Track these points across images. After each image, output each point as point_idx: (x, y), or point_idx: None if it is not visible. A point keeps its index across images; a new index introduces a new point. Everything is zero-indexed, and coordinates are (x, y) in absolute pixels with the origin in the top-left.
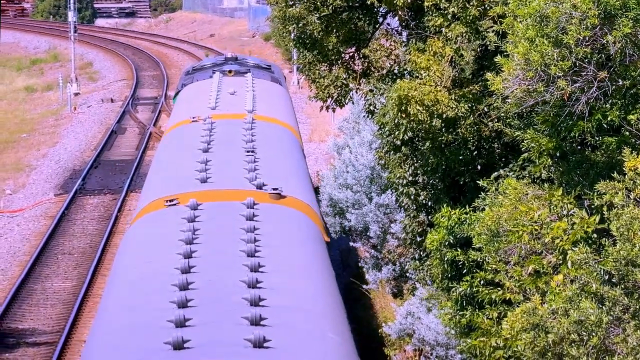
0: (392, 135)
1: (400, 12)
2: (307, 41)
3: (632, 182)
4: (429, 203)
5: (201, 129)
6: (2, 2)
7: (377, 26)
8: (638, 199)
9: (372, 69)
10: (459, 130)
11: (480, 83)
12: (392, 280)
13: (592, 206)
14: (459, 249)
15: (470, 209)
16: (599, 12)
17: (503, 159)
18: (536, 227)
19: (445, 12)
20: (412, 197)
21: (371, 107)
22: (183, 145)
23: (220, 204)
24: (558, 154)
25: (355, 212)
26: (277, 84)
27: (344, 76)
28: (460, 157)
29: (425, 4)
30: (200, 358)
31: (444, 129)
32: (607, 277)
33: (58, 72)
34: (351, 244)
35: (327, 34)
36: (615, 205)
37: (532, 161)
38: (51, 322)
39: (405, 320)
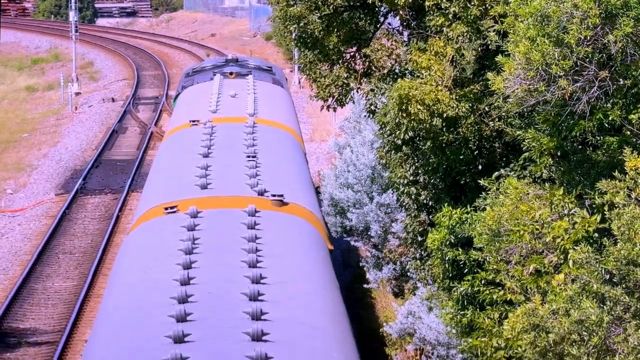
0: (393, 135)
1: (401, 12)
2: (308, 41)
3: (633, 181)
4: (430, 202)
5: (201, 133)
6: (3, 1)
7: (378, 26)
8: (639, 199)
9: (373, 68)
10: (460, 129)
11: (481, 82)
12: (393, 280)
13: (593, 206)
14: (460, 249)
15: (471, 208)
16: (600, 11)
17: (504, 159)
18: (537, 227)
19: (447, 11)
20: (413, 196)
21: (372, 107)
22: (183, 149)
23: (221, 211)
24: (559, 154)
25: (356, 212)
26: (279, 86)
27: (345, 76)
28: (461, 157)
29: (427, 3)
30: None
31: (444, 129)
32: (608, 277)
33: (59, 71)
34: (352, 243)
35: (328, 34)
36: (616, 205)
37: (533, 161)
38: (52, 321)
39: (406, 319)
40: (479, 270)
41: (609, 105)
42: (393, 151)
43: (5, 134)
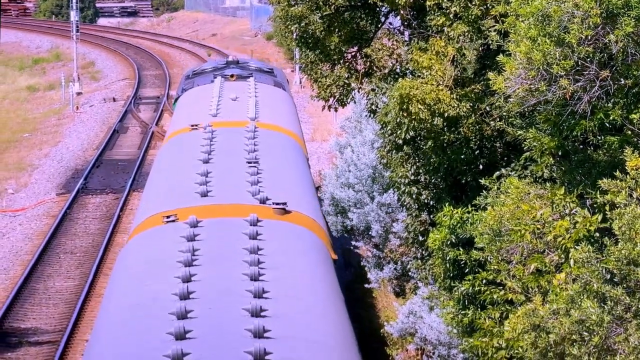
0: (394, 135)
1: (402, 12)
2: (309, 41)
3: (634, 181)
4: (431, 202)
5: (201, 137)
6: (4, 1)
7: (379, 25)
8: None
9: (374, 68)
10: (461, 129)
11: (482, 82)
12: (394, 280)
13: (595, 205)
14: (461, 248)
15: (472, 208)
16: (601, 11)
17: (505, 158)
18: (538, 226)
19: (448, 11)
20: (414, 196)
21: (373, 107)
22: (182, 155)
23: (222, 220)
24: (560, 153)
25: (357, 212)
26: (280, 88)
27: (346, 75)
28: (462, 157)
29: (427, 3)
30: None
31: (445, 128)
32: (609, 277)
33: (60, 71)
34: (353, 243)
35: (329, 34)
36: (617, 205)
37: (534, 160)
38: (53, 321)
39: (407, 319)
40: (480, 270)
41: (610, 105)
42: (394, 151)
43: (6, 134)
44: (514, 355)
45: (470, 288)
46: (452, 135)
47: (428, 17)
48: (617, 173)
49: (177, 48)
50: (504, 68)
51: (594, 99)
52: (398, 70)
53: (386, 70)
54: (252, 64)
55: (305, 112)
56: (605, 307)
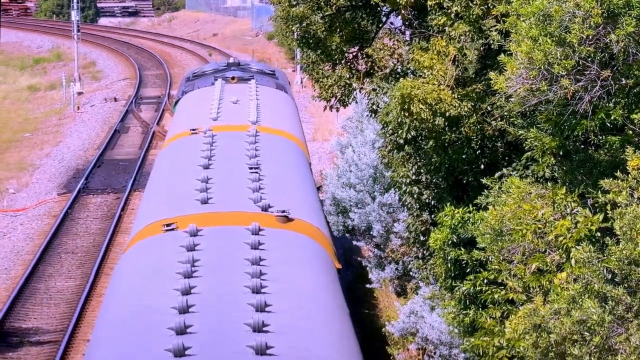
0: (395, 134)
1: (403, 11)
2: (311, 41)
3: (635, 181)
4: (432, 202)
5: (201, 142)
6: (5, 1)
7: (380, 25)
8: None
9: (376, 68)
10: (462, 129)
11: (484, 82)
12: (396, 279)
13: (596, 205)
14: (462, 248)
15: (474, 207)
16: (602, 11)
17: (506, 158)
18: (540, 226)
19: (449, 11)
20: (415, 196)
21: (374, 106)
22: (182, 160)
23: (223, 229)
24: (561, 153)
25: (359, 211)
26: (282, 91)
27: (348, 76)
28: (464, 156)
29: (429, 3)
30: None
31: (447, 128)
32: (610, 276)
33: (61, 71)
34: (354, 243)
35: (330, 34)
36: (619, 205)
37: (535, 160)
38: (54, 321)
39: (409, 319)
40: (481, 269)
41: (611, 104)
42: (395, 150)
43: (7, 134)
44: (514, 354)
45: (472, 288)
46: (453, 135)
47: (429, 17)
48: (618, 173)
49: (178, 48)
50: (505, 68)
51: (595, 99)
52: (399, 70)
53: (387, 70)
54: (253, 66)
55: (307, 111)
56: (607, 307)
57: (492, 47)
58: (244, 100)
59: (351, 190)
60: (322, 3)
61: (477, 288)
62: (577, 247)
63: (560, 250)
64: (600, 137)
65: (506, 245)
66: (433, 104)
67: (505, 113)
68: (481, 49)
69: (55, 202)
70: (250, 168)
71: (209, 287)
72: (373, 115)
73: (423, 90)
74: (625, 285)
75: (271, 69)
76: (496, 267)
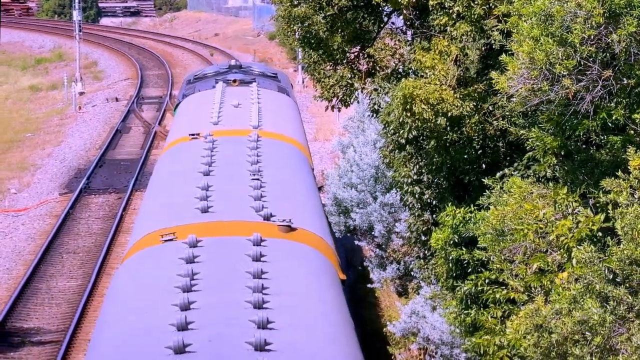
0: (397, 134)
1: (405, 11)
2: (312, 41)
3: (636, 180)
4: (434, 202)
5: (202, 147)
6: (7, 1)
7: (382, 25)
8: None
9: (377, 68)
10: (463, 129)
11: (485, 82)
12: (397, 279)
13: (597, 205)
14: (463, 248)
15: (475, 207)
16: (604, 10)
17: (508, 158)
18: (541, 226)
19: (450, 11)
20: (416, 196)
21: (376, 106)
22: (182, 167)
23: (223, 239)
24: (563, 153)
25: (360, 211)
26: (284, 94)
27: (349, 76)
28: (465, 156)
29: (430, 3)
30: None
31: (448, 128)
32: (611, 276)
33: (63, 71)
34: (356, 242)
35: (332, 34)
36: (620, 204)
37: (537, 160)
38: (56, 321)
39: (410, 319)
40: (483, 269)
41: (612, 104)
42: (397, 150)
43: (9, 134)
44: (515, 354)
45: (473, 288)
46: (455, 135)
47: (431, 17)
48: (620, 173)
49: (180, 48)
50: (506, 68)
51: (596, 99)
52: (401, 70)
53: (389, 70)
54: (255, 68)
55: (308, 111)
56: (608, 307)
57: (493, 47)
58: (246, 104)
59: (353, 190)
60: (323, 3)
61: (479, 288)
62: (578, 247)
63: (561, 250)
64: (602, 137)
65: (507, 245)
66: (435, 104)
67: (507, 113)
68: (483, 48)
69: (56, 202)
70: (252, 174)
71: (208, 303)
72: (374, 115)
73: (425, 91)
74: (627, 285)
75: (273, 71)
76: (498, 266)
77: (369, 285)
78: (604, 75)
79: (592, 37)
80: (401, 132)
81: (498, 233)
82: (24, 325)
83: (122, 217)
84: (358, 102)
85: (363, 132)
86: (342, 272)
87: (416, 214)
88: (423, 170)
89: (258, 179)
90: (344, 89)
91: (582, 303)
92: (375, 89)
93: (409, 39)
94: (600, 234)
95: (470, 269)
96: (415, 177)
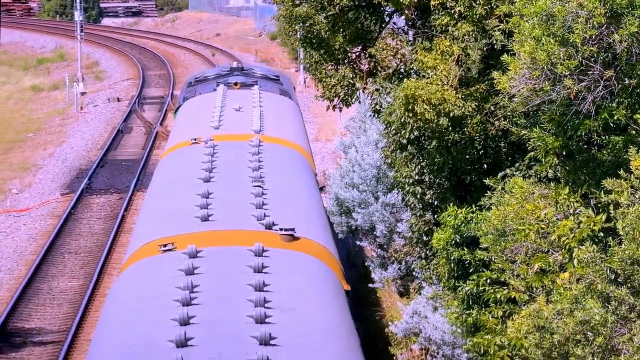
0: (399, 134)
1: (406, 11)
2: (314, 40)
3: (638, 181)
4: (435, 202)
5: (202, 153)
6: (9, 1)
7: (383, 25)
8: None
9: (379, 68)
10: (465, 129)
11: (487, 82)
12: (399, 279)
13: (599, 205)
14: (465, 248)
15: (477, 207)
16: (605, 10)
17: (509, 158)
18: (542, 226)
19: (452, 11)
20: (418, 196)
21: (377, 106)
22: (181, 173)
23: (224, 249)
24: (564, 153)
25: (362, 212)
26: (287, 97)
27: (351, 75)
28: (467, 156)
29: (432, 3)
30: None
31: (450, 128)
32: (613, 276)
33: (64, 71)
34: (357, 243)
35: (333, 34)
36: (621, 205)
37: (538, 160)
38: (58, 321)
39: (412, 319)
40: (484, 269)
41: (614, 104)
42: (398, 151)
43: (10, 134)
44: (516, 354)
45: (475, 288)
46: (456, 135)
47: (432, 17)
48: (622, 173)
49: (182, 48)
50: (508, 68)
51: (598, 99)
52: (402, 70)
53: (390, 70)
54: (257, 71)
55: (310, 112)
56: (609, 307)
57: (495, 47)
58: (247, 108)
59: (354, 190)
60: (325, 3)
61: (480, 288)
62: (580, 247)
63: (563, 250)
64: (604, 137)
65: (509, 245)
66: (437, 104)
67: (509, 113)
68: (484, 48)
69: (58, 202)
70: (254, 181)
71: (209, 317)
72: (376, 115)
73: (427, 91)
74: (628, 285)
75: (275, 73)
76: (499, 266)
77: (370, 285)
78: (606, 76)
79: (593, 37)
80: (403, 132)
81: (499, 233)
82: (25, 326)
83: (124, 217)
84: (359, 102)
85: (365, 132)
86: (346, 283)
87: (418, 214)
88: (425, 171)
89: (260, 186)
90: (346, 88)
91: (583, 303)
92: (377, 89)
93: (411, 39)
94: (601, 234)
95: (471, 269)
96: (416, 177)
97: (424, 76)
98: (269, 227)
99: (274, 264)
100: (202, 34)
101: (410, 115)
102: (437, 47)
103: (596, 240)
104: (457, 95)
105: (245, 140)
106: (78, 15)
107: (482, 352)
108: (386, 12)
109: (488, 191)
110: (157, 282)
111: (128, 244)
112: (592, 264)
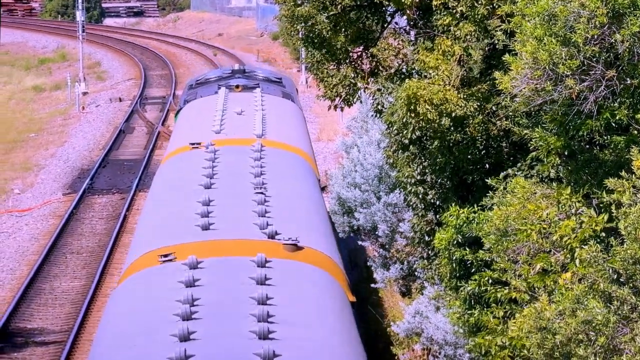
0: (401, 134)
1: (408, 11)
2: (316, 40)
3: None
4: (437, 202)
5: (203, 158)
6: (10, 1)
7: (385, 25)
8: None
9: (380, 68)
10: (467, 129)
11: (489, 82)
12: (401, 279)
13: (601, 205)
14: (467, 248)
15: (479, 207)
16: (607, 10)
17: (511, 158)
18: (544, 226)
19: (454, 11)
20: (420, 196)
21: (379, 106)
22: (182, 179)
23: (225, 260)
24: (566, 153)
25: (364, 211)
26: (289, 100)
27: (352, 75)
28: (469, 156)
29: (434, 2)
30: None
31: (452, 128)
32: (615, 276)
33: (66, 71)
34: (360, 242)
35: (335, 33)
36: (623, 205)
37: (540, 160)
38: (59, 321)
39: (414, 319)
40: (486, 269)
41: (616, 104)
42: (400, 151)
43: (12, 134)
44: (517, 354)
45: (477, 287)
46: (458, 135)
47: (434, 17)
48: (623, 173)
49: (183, 48)
50: (510, 68)
51: (600, 99)
52: (404, 70)
53: (392, 70)
54: (259, 73)
55: (312, 112)
56: (611, 307)
57: (497, 47)
58: (249, 111)
59: (356, 190)
60: (327, 3)
61: (482, 288)
62: (582, 247)
63: (564, 250)
64: (605, 137)
65: (511, 246)
66: (439, 104)
67: (510, 113)
68: (486, 48)
69: (60, 202)
70: (255, 188)
71: (210, 333)
72: (378, 115)
73: (429, 91)
74: (630, 285)
75: (278, 75)
76: (501, 266)
77: (372, 285)
78: (608, 75)
79: (595, 37)
80: (405, 132)
81: (501, 233)
82: (27, 326)
83: (126, 217)
84: (361, 102)
85: (367, 132)
86: (352, 294)
87: (420, 214)
88: (427, 171)
89: (262, 193)
90: (347, 88)
91: (585, 303)
92: (379, 89)
93: (413, 39)
94: (603, 234)
95: (473, 270)
96: (418, 177)
97: (425, 76)
98: (271, 236)
99: (277, 275)
100: (204, 34)
101: (412, 115)
102: (439, 47)
103: (598, 240)
104: (459, 95)
105: (247, 144)
106: (80, 16)
107: (483, 353)
108: (388, 12)
109: (490, 191)
110: (156, 295)
111: (130, 244)
112: (594, 263)
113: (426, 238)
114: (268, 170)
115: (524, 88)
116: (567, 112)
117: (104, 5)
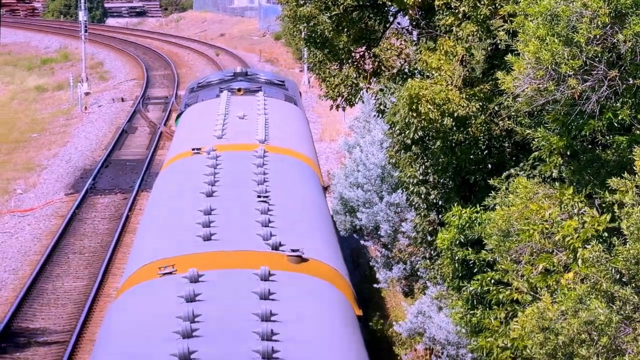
0: (403, 135)
1: (410, 12)
2: (318, 40)
3: None
4: (440, 202)
5: (204, 165)
6: (12, 1)
7: (387, 25)
8: None
9: (383, 68)
10: (469, 129)
11: (491, 82)
12: (403, 279)
13: (603, 205)
14: (469, 248)
15: (481, 207)
16: (610, 10)
17: (514, 158)
18: (547, 226)
19: (456, 11)
20: (422, 196)
21: (381, 107)
22: (182, 186)
23: (228, 273)
24: (569, 153)
25: (366, 211)
26: (292, 103)
27: (354, 75)
28: (471, 156)
29: (436, 3)
30: None
31: (454, 128)
32: (617, 276)
33: (69, 71)
34: (362, 242)
35: (337, 33)
36: (626, 205)
37: (542, 160)
38: (62, 321)
39: (416, 319)
40: (489, 269)
41: (618, 104)
42: (403, 151)
43: (15, 134)
44: (518, 355)
45: (479, 288)
46: (461, 135)
47: (436, 17)
48: (626, 173)
49: (186, 48)
50: (512, 68)
51: (602, 99)
52: (406, 70)
53: (394, 70)
54: (261, 76)
55: (314, 111)
56: (614, 307)
57: (499, 47)
58: (252, 115)
59: (359, 190)
60: (329, 3)
61: (485, 288)
62: (586, 246)
63: (567, 250)
64: (608, 137)
65: (513, 246)
66: (441, 104)
67: (513, 113)
68: (488, 49)
69: (62, 202)
70: (259, 196)
71: (211, 353)
72: (380, 115)
73: (431, 91)
74: (633, 285)
75: (280, 78)
76: (503, 267)
77: (375, 285)
78: (610, 75)
79: (597, 36)
80: (407, 132)
81: (504, 233)
82: (30, 326)
83: (128, 217)
84: (363, 101)
85: (369, 132)
86: (358, 308)
87: (422, 214)
88: (429, 171)
89: (265, 202)
90: (349, 88)
91: (588, 303)
92: (381, 89)
93: (415, 39)
94: (606, 234)
95: (476, 270)
96: (421, 177)
97: (428, 76)
98: (275, 247)
99: (281, 289)
100: (207, 34)
101: (415, 115)
102: (441, 47)
103: (601, 240)
104: (461, 96)
105: (249, 150)
106: (82, 16)
107: (485, 354)
108: (390, 12)
109: (492, 191)
110: (155, 310)
111: (132, 245)
112: (596, 263)
113: (428, 238)
114: (271, 177)
115: (527, 88)
116: (569, 112)
117: (106, 5)
